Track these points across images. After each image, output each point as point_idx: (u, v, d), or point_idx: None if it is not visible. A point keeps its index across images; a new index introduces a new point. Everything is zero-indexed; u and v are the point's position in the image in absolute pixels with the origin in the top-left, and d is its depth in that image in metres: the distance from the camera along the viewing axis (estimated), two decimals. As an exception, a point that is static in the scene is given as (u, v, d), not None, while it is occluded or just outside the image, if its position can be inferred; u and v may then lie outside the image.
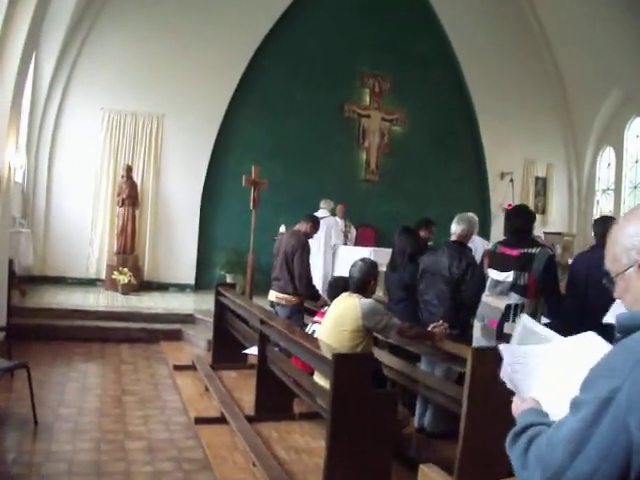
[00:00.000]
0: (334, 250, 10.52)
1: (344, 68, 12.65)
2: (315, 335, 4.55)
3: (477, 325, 4.32)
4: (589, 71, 13.91)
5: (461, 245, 5.00)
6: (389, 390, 4.44)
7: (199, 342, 7.88)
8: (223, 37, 11.41)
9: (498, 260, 4.22)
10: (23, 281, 9.41)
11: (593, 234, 4.86)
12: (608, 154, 15.26)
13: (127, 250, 10.68)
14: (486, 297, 4.28)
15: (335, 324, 4.04)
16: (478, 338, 4.25)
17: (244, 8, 11.48)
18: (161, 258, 11.33)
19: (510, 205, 14.22)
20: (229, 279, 11.25)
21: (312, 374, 4.15)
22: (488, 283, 4.28)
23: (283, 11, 12.01)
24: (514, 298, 4.10)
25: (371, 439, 3.37)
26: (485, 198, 14.26)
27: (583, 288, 4.62)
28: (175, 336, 8.14)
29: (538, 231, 13.35)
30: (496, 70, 13.84)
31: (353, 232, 11.64)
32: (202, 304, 9.70)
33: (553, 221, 15.08)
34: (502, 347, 1.46)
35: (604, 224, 4.79)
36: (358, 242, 11.52)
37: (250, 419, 4.82)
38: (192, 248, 11.54)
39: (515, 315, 4.10)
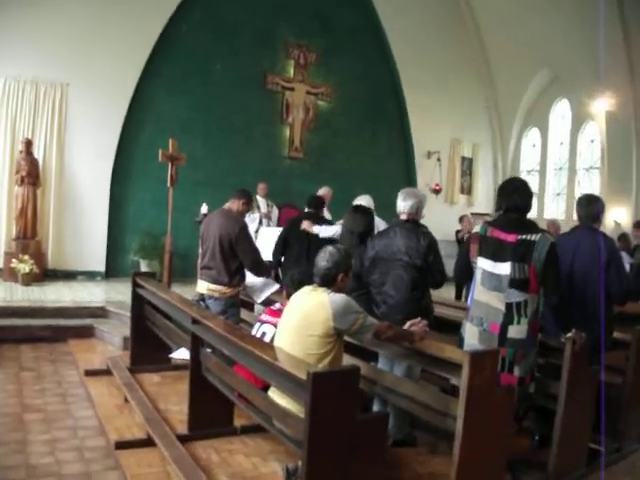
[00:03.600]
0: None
1: (267, 37, 11.86)
2: (266, 338, 3.78)
3: (471, 329, 3.58)
4: (516, 50, 13.74)
5: (414, 223, 4.36)
6: (380, 413, 3.73)
7: (113, 339, 6.92)
8: (136, -2, 10.32)
9: (490, 247, 3.49)
10: None
11: (577, 215, 4.32)
12: (533, 135, 15.15)
13: (28, 235, 9.46)
14: (480, 294, 3.55)
15: (299, 327, 3.26)
16: (473, 345, 3.54)
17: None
18: (67, 243, 10.15)
19: (438, 185, 13.91)
20: (144, 265, 10.34)
21: (264, 388, 3.38)
22: (479, 275, 3.57)
23: (202, -28, 11.05)
24: (515, 295, 3.42)
25: (359, 473, 2.66)
26: (412, 177, 13.89)
27: (567, 275, 4.07)
28: (85, 333, 7.10)
29: (465, 211, 13.10)
30: (423, 45, 13.49)
31: (275, 212, 10.84)
32: (115, 294, 8.74)
33: (479, 202, 14.87)
34: None
35: (590, 204, 4.28)
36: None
37: (184, 438, 4.02)
38: (102, 231, 10.44)
39: (520, 315, 3.44)
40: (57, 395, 5.05)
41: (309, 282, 3.52)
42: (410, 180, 13.69)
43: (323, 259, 3.42)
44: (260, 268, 5.26)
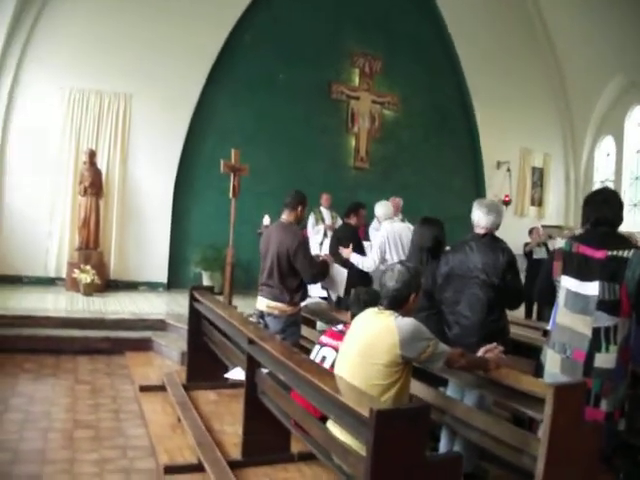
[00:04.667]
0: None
1: (332, 45, 11.65)
2: (326, 363, 3.49)
3: (553, 356, 3.20)
4: (589, 57, 13.13)
5: (493, 238, 3.98)
6: (453, 453, 3.40)
7: (171, 353, 6.78)
8: (199, 8, 10.31)
9: (576, 264, 3.12)
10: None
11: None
12: (607, 144, 14.43)
13: (90, 245, 9.52)
14: (563, 317, 3.17)
15: (362, 354, 2.93)
16: (555, 374, 3.17)
17: (222, -23, 10.41)
18: (129, 254, 10.18)
19: (507, 196, 13.35)
20: (206, 277, 10.24)
21: (322, 418, 3.09)
22: (562, 296, 3.19)
23: (266, -19, 10.95)
24: (603, 318, 3.04)
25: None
26: (480, 188, 13.36)
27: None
28: (143, 346, 7.00)
29: (535, 223, 12.54)
30: (492, 55, 13.00)
31: (339, 224, 10.59)
32: (175, 306, 8.63)
33: (550, 214, 14.25)
34: None
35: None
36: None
37: (236, 464, 3.77)
38: (164, 243, 10.42)
39: (608, 342, 3.05)
40: (110, 411, 4.90)
41: (376, 302, 3.21)
42: (479, 191, 13.19)
43: (391, 278, 3.07)
44: (319, 278, 5.02)
